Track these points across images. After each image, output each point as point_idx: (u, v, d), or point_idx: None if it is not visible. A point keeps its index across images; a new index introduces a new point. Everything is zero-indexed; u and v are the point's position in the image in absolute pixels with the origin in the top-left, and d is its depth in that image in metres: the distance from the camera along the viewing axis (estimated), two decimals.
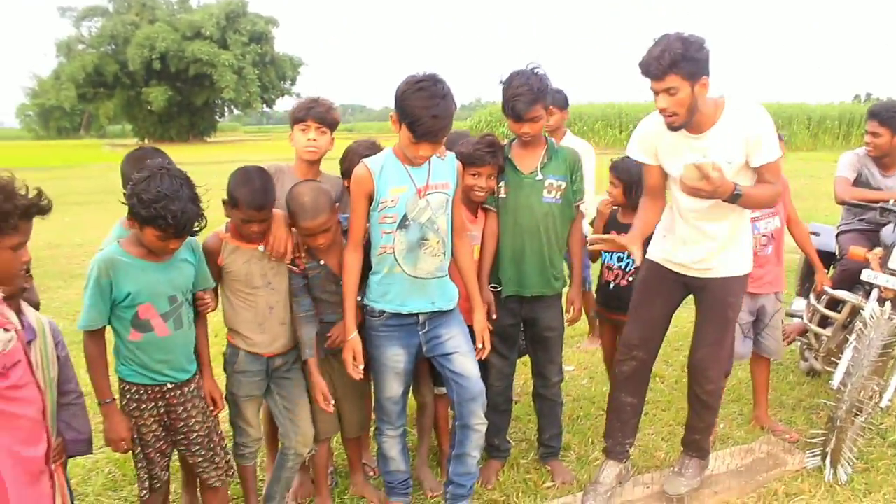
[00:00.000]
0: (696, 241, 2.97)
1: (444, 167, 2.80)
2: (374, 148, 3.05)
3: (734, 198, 2.68)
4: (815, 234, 4.66)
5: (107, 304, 2.39)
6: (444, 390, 3.27)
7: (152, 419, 2.53)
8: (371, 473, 3.44)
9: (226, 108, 51.52)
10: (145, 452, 2.54)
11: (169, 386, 2.53)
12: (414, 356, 2.90)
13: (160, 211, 2.28)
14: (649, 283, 3.12)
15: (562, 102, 4.46)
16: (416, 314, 2.82)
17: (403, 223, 2.71)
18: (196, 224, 2.43)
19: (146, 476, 2.56)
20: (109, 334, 2.53)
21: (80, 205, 12.17)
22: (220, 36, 44.48)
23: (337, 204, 2.86)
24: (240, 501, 3.18)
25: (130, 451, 2.59)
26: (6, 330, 1.82)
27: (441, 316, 2.86)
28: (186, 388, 2.59)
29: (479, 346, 2.94)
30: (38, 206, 1.93)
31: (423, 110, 2.49)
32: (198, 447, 2.64)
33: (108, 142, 44.77)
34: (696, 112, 2.70)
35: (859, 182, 4.20)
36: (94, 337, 2.43)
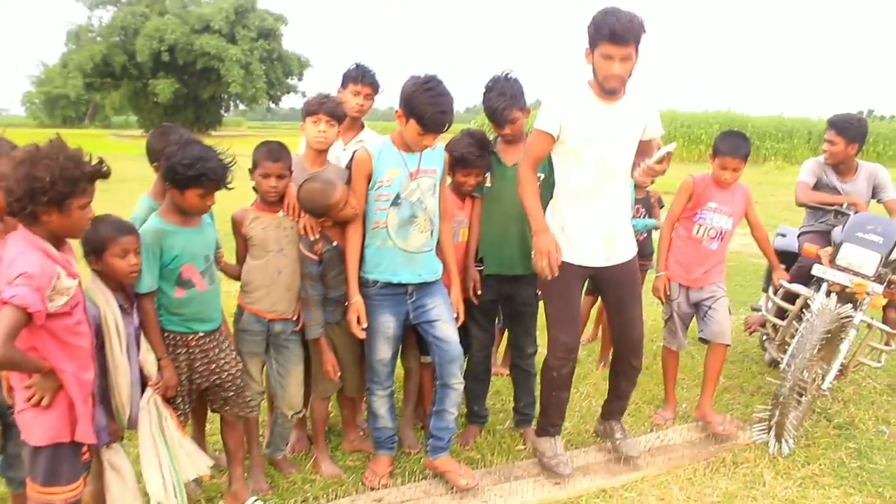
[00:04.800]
0: (600, 230, 3.24)
1: (434, 155, 3.21)
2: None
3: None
4: (782, 235, 5.06)
5: (157, 268, 2.74)
6: (429, 359, 3.64)
7: (185, 363, 2.88)
8: (361, 433, 3.79)
9: (231, 103, 51.59)
10: (177, 391, 2.88)
11: (200, 334, 2.89)
12: (402, 323, 3.28)
13: (201, 170, 2.66)
14: (566, 285, 3.28)
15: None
16: (406, 285, 3.20)
17: (396, 201, 3.12)
18: (229, 178, 2.79)
19: (178, 413, 2.90)
20: None
21: None
22: (228, 30, 44.60)
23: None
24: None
25: None
26: (74, 277, 2.21)
27: (426, 287, 3.24)
28: (216, 334, 2.96)
29: (456, 315, 3.31)
30: (101, 172, 2.30)
31: (431, 107, 2.94)
32: (229, 384, 3.01)
33: (114, 132, 44.99)
34: None
35: (819, 187, 4.58)
36: (149, 299, 2.76)
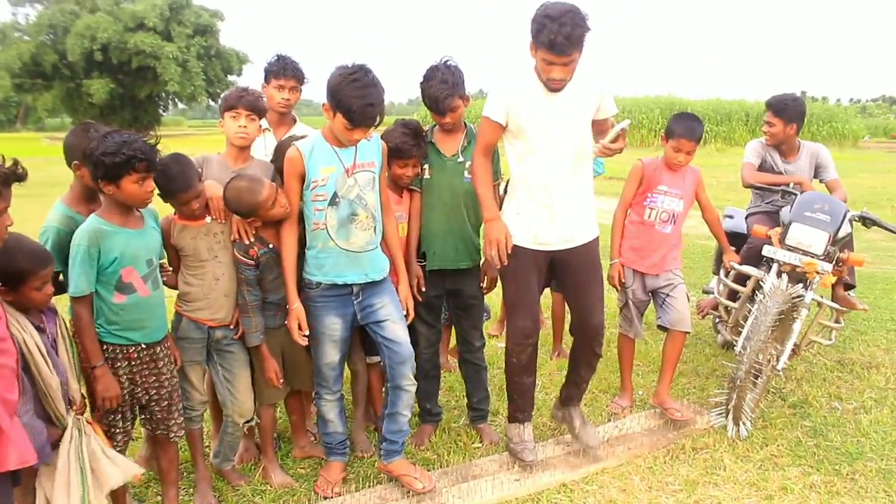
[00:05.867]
0: (554, 213, 3.16)
1: (370, 147, 3.04)
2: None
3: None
4: (729, 216, 5.05)
5: (94, 270, 2.56)
6: (376, 359, 3.53)
7: (126, 377, 2.70)
8: (312, 439, 3.64)
9: (170, 102, 50.51)
10: (117, 407, 2.70)
11: (143, 346, 2.71)
12: (350, 324, 3.13)
13: (128, 152, 2.49)
14: (522, 269, 3.23)
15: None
16: (351, 285, 3.04)
17: (334, 200, 2.94)
18: (158, 156, 2.63)
19: (116, 431, 2.73)
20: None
21: (21, 197, 11.83)
22: (163, 28, 43.48)
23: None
24: (187, 465, 3.35)
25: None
26: None
27: (373, 286, 3.09)
28: (159, 348, 2.78)
29: (405, 312, 3.18)
30: (16, 174, 2.12)
31: (358, 100, 2.72)
32: (165, 402, 2.84)
33: (48, 135, 43.38)
34: None
35: (764, 168, 4.57)
36: (83, 303, 2.58)
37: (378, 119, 2.83)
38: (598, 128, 3.20)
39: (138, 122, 46.02)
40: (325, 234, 2.97)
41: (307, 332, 3.03)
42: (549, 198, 3.15)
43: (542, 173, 3.13)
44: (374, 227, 3.05)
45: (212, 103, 50.01)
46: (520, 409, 3.42)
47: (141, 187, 2.59)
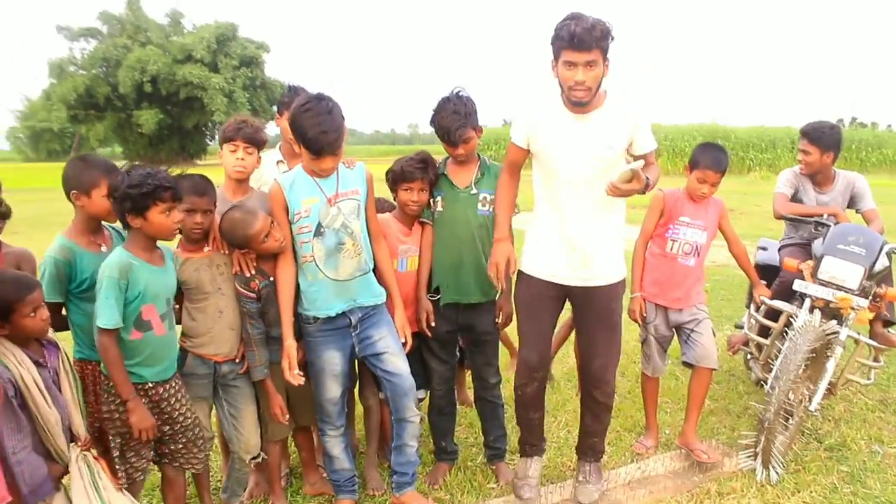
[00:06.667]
0: (573, 248, 2.99)
1: (353, 175, 3.00)
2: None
3: (646, 188, 2.76)
4: (763, 248, 4.88)
5: (121, 304, 2.55)
6: None
7: None
8: (323, 475, 3.56)
9: (216, 131, 51.68)
10: (129, 444, 2.68)
11: (150, 384, 2.68)
12: (349, 357, 3.07)
13: (154, 182, 2.52)
14: (533, 301, 3.11)
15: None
16: (348, 316, 2.99)
17: (319, 231, 2.90)
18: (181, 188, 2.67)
19: (128, 468, 2.70)
20: None
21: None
22: (210, 59, 44.79)
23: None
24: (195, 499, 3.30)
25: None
26: None
27: (370, 317, 3.03)
28: (169, 385, 2.76)
29: (404, 341, 3.10)
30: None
31: (312, 129, 2.71)
32: (180, 437, 2.82)
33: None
34: (597, 92, 2.82)
35: (796, 198, 4.40)
36: (111, 336, 2.55)
37: (336, 144, 2.78)
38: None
39: (185, 151, 47.35)
40: (314, 266, 2.93)
41: (299, 371, 2.96)
42: (567, 231, 2.99)
43: (562, 204, 2.99)
44: (361, 254, 2.99)
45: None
46: (527, 441, 3.31)
47: (168, 217, 2.61)
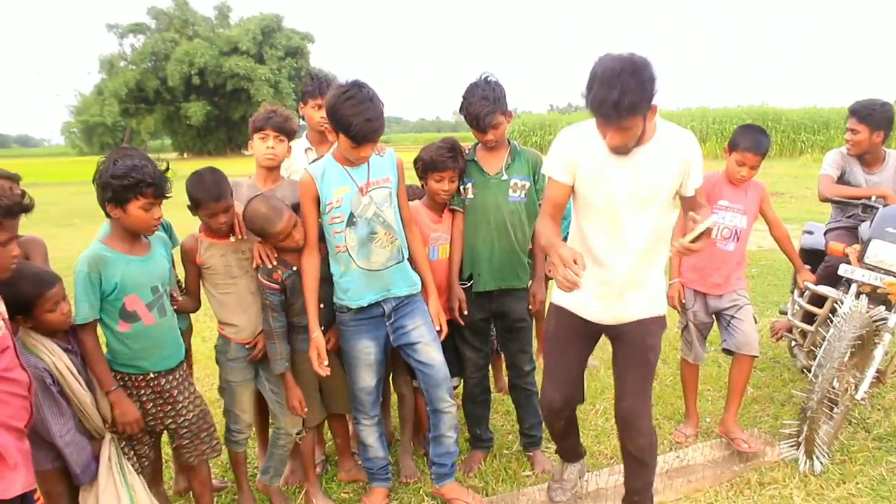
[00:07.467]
0: (608, 289, 2.69)
1: (384, 163, 2.96)
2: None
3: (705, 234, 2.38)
4: (809, 232, 4.73)
5: (97, 297, 2.55)
6: None
7: (137, 404, 2.68)
8: (358, 462, 3.57)
9: None
10: (133, 433, 2.69)
11: (151, 375, 2.69)
12: (383, 347, 3.06)
13: (137, 176, 2.46)
14: (561, 335, 2.86)
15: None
16: (381, 306, 2.98)
17: (351, 221, 2.87)
18: (167, 185, 2.60)
19: (133, 454, 2.73)
20: None
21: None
22: (256, 51, 45.37)
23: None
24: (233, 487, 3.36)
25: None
26: None
27: (405, 307, 3.01)
28: (173, 376, 2.75)
29: (439, 329, 3.08)
30: (22, 205, 2.13)
31: (357, 117, 2.65)
32: (185, 430, 2.81)
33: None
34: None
35: (843, 180, 4.25)
36: (88, 330, 2.57)
37: (380, 132, 2.75)
38: (687, 204, 2.63)
39: (232, 142, 48.06)
40: (347, 256, 2.91)
41: (326, 362, 2.97)
42: (605, 275, 2.66)
43: (601, 246, 2.65)
44: (394, 243, 2.97)
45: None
46: (561, 454, 3.24)
47: (147, 213, 2.55)
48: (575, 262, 2.27)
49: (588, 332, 2.85)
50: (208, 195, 2.81)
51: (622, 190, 2.54)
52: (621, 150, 2.46)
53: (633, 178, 2.52)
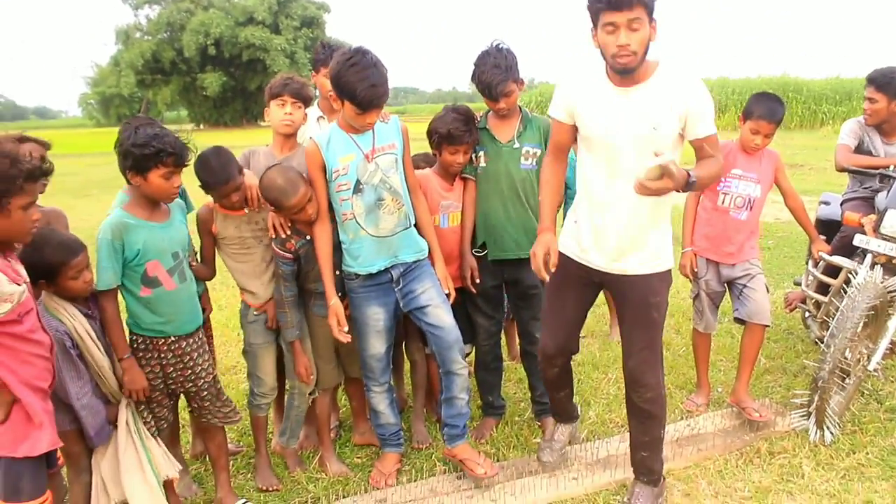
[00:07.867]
0: (606, 237, 2.69)
1: (388, 129, 2.96)
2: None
3: (689, 186, 2.35)
4: (825, 203, 4.70)
5: (119, 264, 2.59)
6: None
7: (158, 367, 2.74)
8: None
9: None
10: (151, 396, 2.75)
11: (172, 338, 2.73)
12: (393, 313, 3.09)
13: (158, 145, 2.50)
14: (559, 282, 2.84)
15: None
16: (390, 272, 3.00)
17: (357, 188, 2.89)
18: (188, 154, 2.64)
19: (151, 417, 2.79)
20: None
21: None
22: (272, 21, 45.06)
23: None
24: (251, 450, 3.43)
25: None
26: (18, 284, 2.09)
27: (412, 271, 3.03)
28: (193, 339, 2.80)
29: (447, 292, 3.10)
30: (41, 169, 2.18)
31: (361, 83, 2.66)
32: (206, 392, 2.87)
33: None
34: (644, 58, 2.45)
35: (861, 150, 4.19)
36: (110, 297, 2.61)
37: (385, 97, 2.75)
38: (698, 155, 2.61)
39: (248, 113, 48.02)
40: (355, 224, 2.93)
41: (347, 328, 3.00)
42: (603, 214, 2.67)
43: (601, 184, 2.65)
44: (402, 209, 2.98)
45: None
46: (555, 410, 3.28)
47: (167, 182, 2.58)
48: (546, 255, 2.59)
49: (588, 281, 2.84)
50: (215, 179, 2.86)
51: (620, 126, 2.53)
52: (631, 62, 2.40)
53: (630, 116, 2.52)
